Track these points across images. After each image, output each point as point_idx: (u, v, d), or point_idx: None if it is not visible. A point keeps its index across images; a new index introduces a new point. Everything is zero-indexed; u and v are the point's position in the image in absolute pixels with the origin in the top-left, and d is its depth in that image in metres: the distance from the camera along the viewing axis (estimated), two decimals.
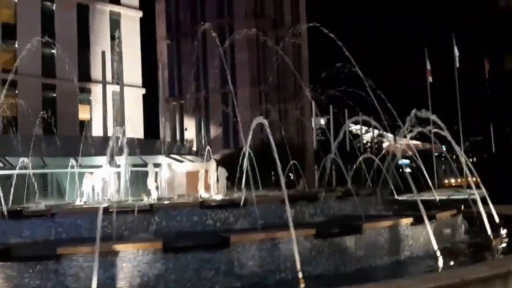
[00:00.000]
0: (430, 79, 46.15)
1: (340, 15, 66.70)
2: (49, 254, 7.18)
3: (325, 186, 13.63)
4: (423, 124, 13.89)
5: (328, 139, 44.31)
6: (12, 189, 16.11)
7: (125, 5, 47.66)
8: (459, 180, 16.14)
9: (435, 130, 12.15)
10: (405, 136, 12.95)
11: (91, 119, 43.72)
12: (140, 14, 48.66)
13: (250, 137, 9.80)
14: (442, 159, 49.41)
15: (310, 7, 58.94)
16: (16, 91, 40.64)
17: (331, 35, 15.32)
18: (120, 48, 36.22)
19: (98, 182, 14.73)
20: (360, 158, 14.42)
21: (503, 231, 12.25)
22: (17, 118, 37.65)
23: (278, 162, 8.23)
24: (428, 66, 45.67)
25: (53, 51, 42.63)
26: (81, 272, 7.16)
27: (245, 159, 9.92)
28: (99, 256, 7.13)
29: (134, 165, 21.86)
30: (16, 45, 40.41)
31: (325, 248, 8.54)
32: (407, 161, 31.32)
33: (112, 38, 46.00)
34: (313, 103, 45.41)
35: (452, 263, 8.87)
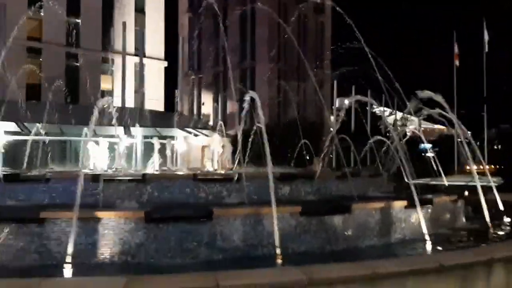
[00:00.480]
0: (457, 63, 44.95)
1: None
2: (33, 217, 7.33)
3: (325, 166, 13.50)
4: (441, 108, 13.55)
5: (350, 120, 43.89)
6: (26, 154, 16.54)
7: None
8: (481, 167, 15.75)
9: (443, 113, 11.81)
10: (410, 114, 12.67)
11: (112, 89, 44.18)
12: None
13: (244, 112, 9.74)
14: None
15: None
16: (41, 59, 41.34)
17: (350, 22, 14.94)
18: (144, 20, 36.26)
19: (104, 151, 14.99)
20: (371, 140, 14.24)
21: (506, 220, 12.05)
22: (40, 85, 38.31)
23: (266, 141, 8.15)
24: (456, 50, 44.44)
25: (78, 20, 43.02)
26: (63, 237, 7.29)
27: (239, 135, 9.88)
28: (82, 222, 7.28)
29: (147, 137, 22.14)
30: (42, 13, 40.84)
31: (311, 226, 8.50)
32: (429, 145, 30.82)
33: (137, 10, 46.12)
34: (335, 82, 44.84)
35: (440, 248, 8.73)
